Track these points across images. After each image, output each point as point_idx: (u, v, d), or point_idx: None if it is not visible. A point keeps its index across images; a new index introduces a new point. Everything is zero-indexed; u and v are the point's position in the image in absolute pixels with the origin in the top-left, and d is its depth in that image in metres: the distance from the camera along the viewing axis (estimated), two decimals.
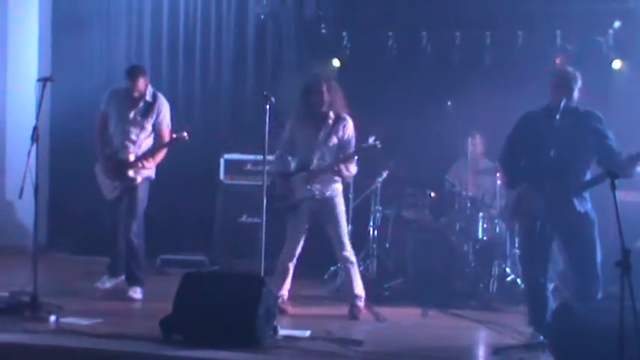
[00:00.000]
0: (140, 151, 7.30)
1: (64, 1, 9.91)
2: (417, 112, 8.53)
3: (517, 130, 6.02)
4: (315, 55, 9.26)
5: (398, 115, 8.71)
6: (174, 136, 7.30)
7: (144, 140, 7.35)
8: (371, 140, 6.59)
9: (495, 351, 5.74)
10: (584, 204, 5.82)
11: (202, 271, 8.16)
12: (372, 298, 7.51)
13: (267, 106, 6.04)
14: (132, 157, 7.24)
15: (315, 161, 6.63)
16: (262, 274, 6.00)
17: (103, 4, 9.92)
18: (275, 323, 5.84)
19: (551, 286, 6.47)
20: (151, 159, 7.32)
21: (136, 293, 7.26)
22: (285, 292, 6.78)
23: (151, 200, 9.33)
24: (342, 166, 6.58)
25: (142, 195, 7.37)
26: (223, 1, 9.63)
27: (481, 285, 7.74)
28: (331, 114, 6.65)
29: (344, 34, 9.05)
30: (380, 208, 8.29)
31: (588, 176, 5.86)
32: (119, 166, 7.23)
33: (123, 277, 7.52)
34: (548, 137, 5.60)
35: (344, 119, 6.72)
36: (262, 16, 9.34)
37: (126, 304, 7.22)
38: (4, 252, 9.42)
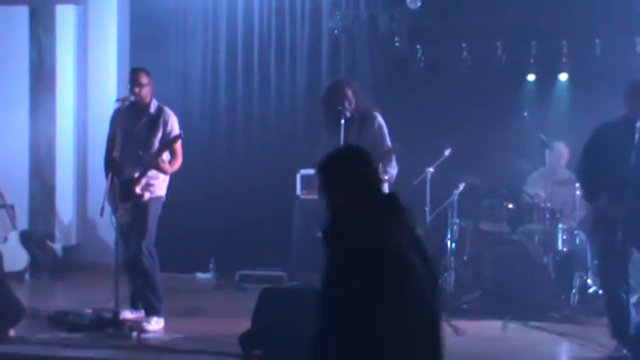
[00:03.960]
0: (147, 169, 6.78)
1: (142, 20, 10.08)
2: (493, 123, 8.46)
3: (594, 142, 5.91)
4: (389, 68, 9.24)
5: (474, 126, 8.63)
6: (171, 137, 6.81)
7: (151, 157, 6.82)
8: (392, 145, 6.32)
9: None
10: None
11: (279, 286, 8.20)
12: (451, 311, 7.47)
13: (342, 121, 6.05)
14: (136, 174, 6.74)
15: None
16: None
17: (179, 23, 10.08)
18: None
19: (634, 298, 6.34)
20: (161, 164, 6.76)
21: (150, 324, 6.68)
22: None
23: (229, 216, 9.53)
24: (381, 172, 6.13)
25: (153, 214, 6.86)
26: (297, 16, 9.69)
27: (562, 297, 7.61)
28: (357, 116, 6.36)
29: (418, 46, 9.01)
30: (457, 220, 8.21)
31: None
32: (126, 185, 6.70)
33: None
34: (627, 147, 5.50)
35: (372, 117, 6.43)
36: (336, 31, 9.36)
37: (206, 320, 7.31)
38: (87, 269, 9.66)
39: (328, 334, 2.87)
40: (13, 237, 9.71)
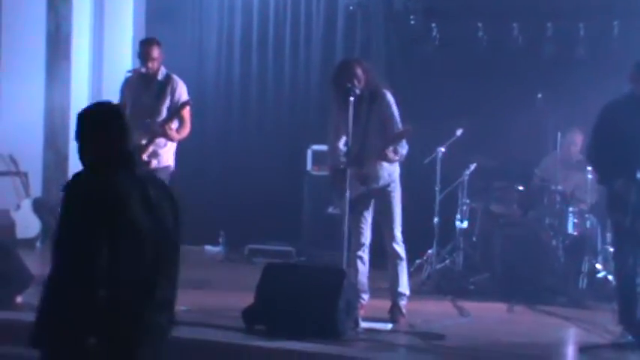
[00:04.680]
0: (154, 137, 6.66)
1: None
2: (507, 104, 8.39)
3: (603, 121, 5.82)
4: (404, 46, 9.19)
5: (487, 107, 8.59)
6: (180, 104, 6.72)
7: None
8: (404, 127, 6.18)
9: (582, 349, 5.65)
10: None
11: (284, 262, 8.21)
12: (458, 292, 7.49)
13: (351, 98, 6.01)
14: (144, 141, 6.59)
15: (361, 149, 6.21)
16: (345, 266, 6.00)
17: (195, 0, 10.07)
18: (357, 315, 5.85)
19: None
20: (168, 131, 6.63)
21: None
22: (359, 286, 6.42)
23: (240, 190, 9.54)
24: (389, 152, 6.14)
25: None
26: None
27: (570, 281, 7.58)
28: (366, 93, 6.23)
29: (433, 25, 8.93)
30: (467, 201, 8.18)
31: None
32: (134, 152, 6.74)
33: None
34: (636, 124, 5.44)
35: (382, 95, 6.32)
36: (351, 7, 9.33)
37: (213, 293, 7.34)
38: None
39: (56, 272, 3.05)
40: (26, 204, 9.79)
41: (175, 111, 6.73)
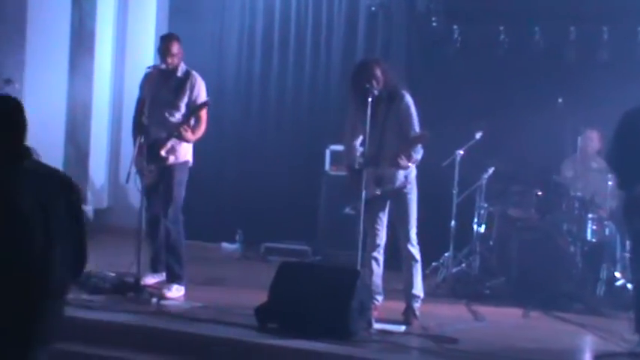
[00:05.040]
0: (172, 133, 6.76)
1: None
2: (527, 108, 8.31)
3: (624, 127, 5.79)
4: (425, 48, 9.16)
5: (506, 110, 8.51)
6: (199, 104, 6.79)
7: (178, 121, 6.80)
8: (422, 132, 6.15)
9: (598, 357, 5.61)
10: None
11: (298, 261, 8.21)
12: (473, 295, 7.45)
13: (370, 99, 6.00)
14: (163, 135, 6.73)
15: (377, 150, 6.19)
16: (359, 266, 6.00)
17: None
18: (370, 317, 5.84)
19: None
20: (184, 132, 6.70)
21: (170, 291, 6.68)
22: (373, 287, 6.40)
23: (257, 189, 9.55)
24: (402, 159, 6.08)
25: (179, 179, 6.83)
26: None
27: (587, 288, 7.52)
28: (384, 94, 6.20)
29: (455, 27, 8.89)
30: (485, 204, 8.14)
31: None
32: (152, 148, 6.68)
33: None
34: None
35: (400, 96, 6.28)
36: (373, 8, 9.30)
37: (228, 290, 7.35)
38: (117, 232, 9.73)
39: None
40: None
41: (193, 110, 6.77)
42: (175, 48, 6.81)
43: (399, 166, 6.16)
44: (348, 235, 8.07)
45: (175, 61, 6.82)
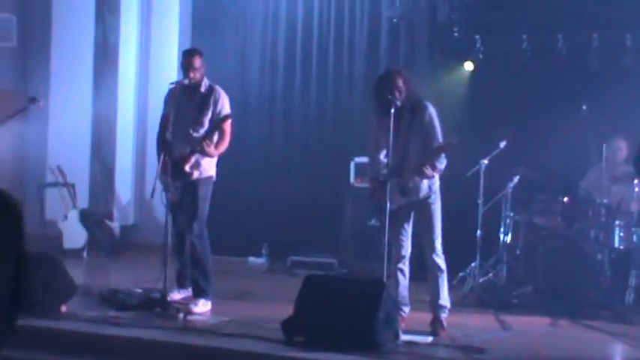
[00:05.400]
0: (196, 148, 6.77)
1: (204, 2, 10.22)
2: (551, 116, 8.30)
3: None
4: (448, 58, 9.16)
5: (531, 118, 8.50)
6: (221, 117, 6.79)
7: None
8: (448, 140, 6.13)
9: None
10: None
11: (324, 274, 8.22)
12: (500, 305, 7.41)
13: (392, 110, 6.00)
14: (187, 151, 6.74)
15: (401, 161, 6.16)
16: (385, 278, 5.99)
17: (240, 7, 10.13)
18: (397, 328, 5.83)
19: None
20: (206, 148, 6.71)
21: (197, 306, 6.70)
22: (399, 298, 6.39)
23: (283, 202, 9.57)
24: (427, 169, 6.07)
25: (203, 194, 6.84)
26: (356, 4, 9.66)
27: (616, 296, 7.45)
28: (407, 105, 6.18)
29: (477, 37, 8.86)
30: (511, 213, 8.10)
31: None
32: (176, 164, 6.69)
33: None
34: None
35: (423, 107, 6.25)
36: (395, 20, 9.31)
37: (255, 304, 7.36)
38: (143, 249, 9.79)
39: None
40: (73, 215, 9.92)
41: (216, 124, 6.78)
42: (198, 62, 6.83)
43: (424, 176, 6.15)
44: (374, 247, 8.10)
45: (198, 75, 6.84)
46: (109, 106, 10.40)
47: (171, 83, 6.98)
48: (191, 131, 6.83)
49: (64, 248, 9.68)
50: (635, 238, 7.72)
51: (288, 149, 9.87)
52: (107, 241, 9.95)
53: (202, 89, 6.89)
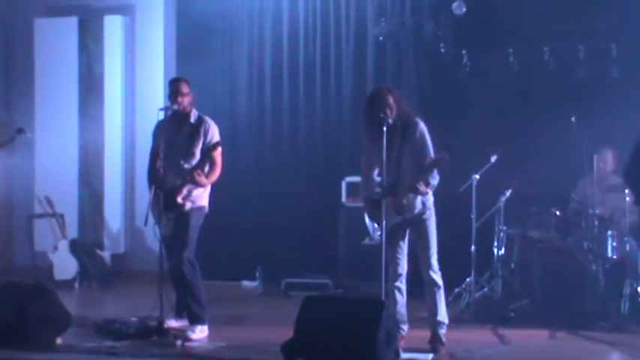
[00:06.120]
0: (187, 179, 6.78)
1: (188, 28, 10.13)
2: (540, 128, 8.30)
3: None
4: (435, 75, 9.17)
5: (520, 132, 8.53)
6: (211, 144, 6.81)
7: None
8: (440, 155, 6.12)
9: None
10: None
11: (322, 294, 8.19)
12: (497, 319, 7.40)
13: (384, 128, 5.99)
14: (178, 182, 6.76)
15: (395, 179, 6.18)
16: (383, 297, 5.96)
17: (225, 31, 10.08)
18: (397, 347, 5.80)
19: None
20: (197, 177, 6.71)
21: (194, 333, 6.70)
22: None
23: (275, 224, 9.53)
24: (420, 185, 6.11)
25: (194, 224, 6.85)
26: (342, 23, 9.65)
27: (612, 305, 7.45)
28: (399, 123, 6.20)
29: (463, 52, 8.87)
30: (504, 227, 8.10)
31: None
32: (168, 196, 6.71)
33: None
34: None
35: (414, 123, 6.27)
36: (381, 38, 9.31)
37: (251, 328, 7.33)
38: (135, 277, 9.76)
39: None
40: (63, 246, 9.84)
41: (207, 153, 6.77)
42: (185, 88, 6.86)
43: (417, 193, 6.15)
44: (369, 267, 8.08)
45: (186, 101, 6.86)
46: (95, 135, 10.36)
47: (160, 109, 6.96)
48: (182, 162, 6.84)
49: (55, 279, 9.60)
50: (627, 247, 7.75)
51: (278, 171, 9.83)
52: (99, 271, 9.86)
53: (192, 120, 6.92)
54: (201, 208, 6.94)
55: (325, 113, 9.74)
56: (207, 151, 6.78)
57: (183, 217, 6.82)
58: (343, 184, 9.03)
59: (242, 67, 10.08)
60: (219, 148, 6.80)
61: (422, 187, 6.09)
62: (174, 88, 6.87)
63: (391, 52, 9.42)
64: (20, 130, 7.39)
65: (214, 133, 6.92)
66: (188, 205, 6.82)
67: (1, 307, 6.39)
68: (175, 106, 6.81)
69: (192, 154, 6.84)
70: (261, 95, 9.98)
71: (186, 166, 6.82)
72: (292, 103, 9.85)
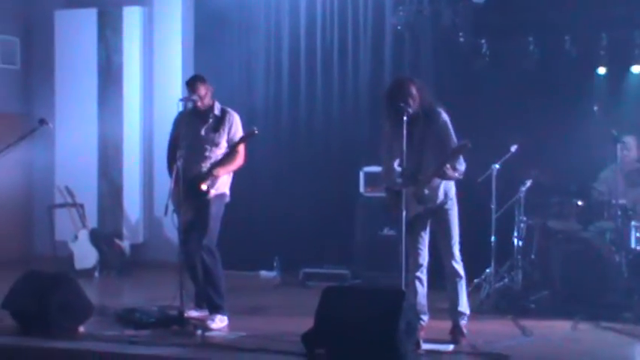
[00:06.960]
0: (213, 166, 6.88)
1: (206, 18, 10.17)
2: (562, 118, 8.24)
3: None
4: (454, 64, 9.09)
5: (541, 121, 8.42)
6: (243, 135, 6.92)
7: (219, 157, 6.95)
8: (462, 142, 6.06)
9: None
10: None
11: (343, 285, 8.18)
12: (518, 310, 7.35)
13: (405, 117, 5.95)
14: (204, 169, 6.85)
15: (416, 169, 6.14)
16: (403, 287, 5.93)
17: (242, 20, 10.08)
18: (418, 337, 5.78)
19: None
20: (223, 167, 6.87)
21: (214, 322, 6.72)
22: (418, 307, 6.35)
23: (293, 215, 9.53)
24: (448, 169, 6.02)
25: (215, 212, 6.90)
26: (360, 12, 9.60)
27: (635, 297, 7.37)
28: (420, 112, 6.15)
29: (482, 41, 8.78)
30: (524, 218, 8.02)
31: None
32: (192, 183, 6.75)
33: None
34: None
35: (437, 113, 6.24)
36: (399, 27, 9.23)
37: (271, 318, 7.32)
38: (154, 266, 9.78)
39: None
40: (83, 235, 9.89)
41: (240, 141, 6.88)
42: (202, 89, 6.91)
43: (444, 177, 6.09)
44: (387, 257, 8.08)
45: (206, 101, 6.94)
46: (114, 125, 10.41)
47: (181, 99, 7.01)
48: (206, 152, 6.90)
49: (76, 269, 9.64)
50: None
51: (296, 161, 9.81)
52: (118, 260, 9.92)
53: (216, 112, 7.00)
54: (222, 195, 6.98)
55: (343, 103, 9.70)
56: (234, 146, 6.87)
57: (205, 205, 6.83)
58: (361, 174, 8.99)
59: (259, 57, 10.06)
60: (245, 142, 6.89)
61: (449, 171, 6.02)
62: (190, 91, 6.92)
63: (409, 41, 9.33)
64: (42, 121, 7.41)
65: (238, 127, 7.01)
66: (212, 193, 6.85)
67: (24, 296, 6.47)
68: (195, 97, 6.85)
69: (217, 144, 6.93)
70: (279, 85, 9.96)
71: (211, 154, 6.89)
72: (309, 93, 9.82)
